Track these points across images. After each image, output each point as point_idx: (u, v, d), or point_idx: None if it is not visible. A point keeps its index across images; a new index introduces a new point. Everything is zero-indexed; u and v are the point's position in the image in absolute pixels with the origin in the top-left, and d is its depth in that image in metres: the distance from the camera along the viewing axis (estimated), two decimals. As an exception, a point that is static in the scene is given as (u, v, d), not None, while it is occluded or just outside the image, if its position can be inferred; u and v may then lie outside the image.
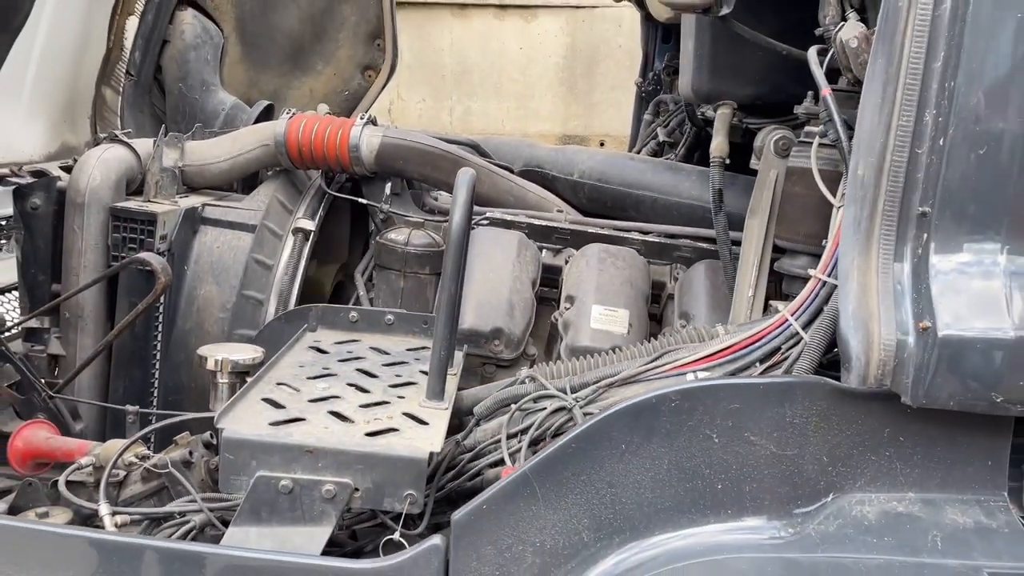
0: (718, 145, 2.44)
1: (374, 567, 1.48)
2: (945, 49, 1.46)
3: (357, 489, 1.51)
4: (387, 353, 2.04)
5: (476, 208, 2.46)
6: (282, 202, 2.56)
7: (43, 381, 2.20)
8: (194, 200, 2.52)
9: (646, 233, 2.61)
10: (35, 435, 2.00)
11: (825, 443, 1.55)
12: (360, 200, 2.68)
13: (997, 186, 1.48)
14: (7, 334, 2.42)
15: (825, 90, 1.76)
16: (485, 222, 2.58)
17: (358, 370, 1.91)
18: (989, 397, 1.47)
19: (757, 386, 1.57)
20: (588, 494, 1.53)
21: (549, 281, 2.51)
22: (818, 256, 1.73)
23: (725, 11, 2.12)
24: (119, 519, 1.69)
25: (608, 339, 2.23)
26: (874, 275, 1.51)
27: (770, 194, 2.12)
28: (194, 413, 2.00)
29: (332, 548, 1.55)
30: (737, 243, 2.27)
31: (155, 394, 2.36)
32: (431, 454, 1.54)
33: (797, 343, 1.66)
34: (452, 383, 1.83)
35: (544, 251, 2.57)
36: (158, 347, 2.35)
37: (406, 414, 1.69)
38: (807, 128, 2.02)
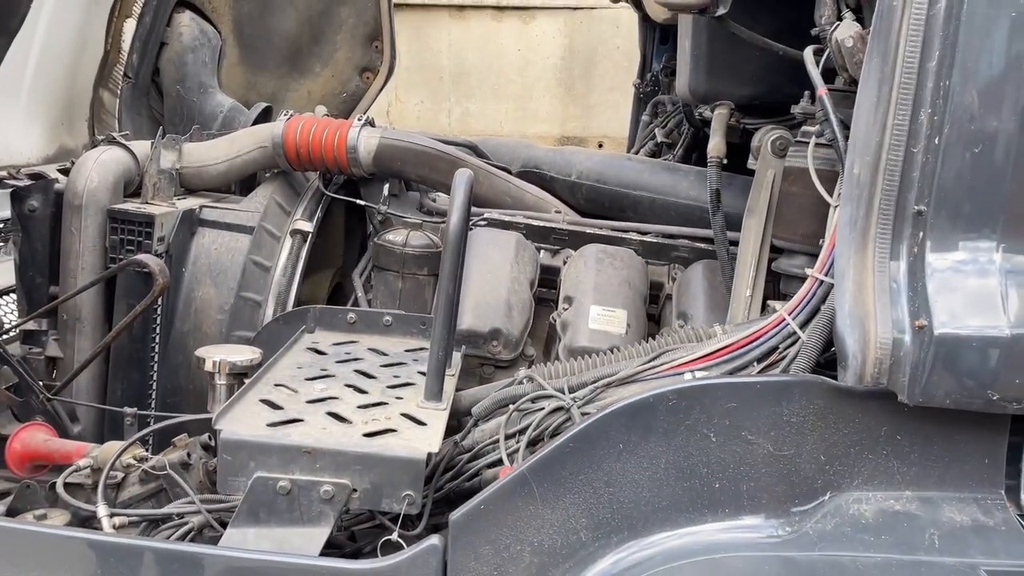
0: (715, 145, 2.44)
1: (372, 567, 1.48)
2: (940, 48, 1.46)
3: (355, 490, 1.51)
4: (385, 354, 2.05)
5: (474, 209, 2.46)
6: (280, 204, 2.56)
7: (41, 383, 2.20)
8: (192, 202, 2.53)
9: (644, 233, 2.61)
10: (33, 437, 2.00)
11: (822, 442, 1.55)
12: (358, 201, 2.68)
13: (992, 184, 1.49)
14: (5, 336, 2.43)
15: (821, 90, 1.76)
16: (483, 223, 2.58)
17: (356, 371, 1.91)
18: (985, 395, 1.47)
19: (754, 385, 1.57)
20: (586, 493, 1.53)
21: (547, 282, 2.51)
22: (816, 256, 1.73)
23: (722, 11, 2.12)
24: (117, 521, 1.69)
25: (606, 339, 2.23)
26: (870, 274, 1.51)
27: (767, 194, 2.13)
28: (192, 415, 2.00)
29: (330, 549, 1.55)
30: (735, 243, 2.27)
31: (153, 396, 2.36)
32: (429, 455, 1.54)
33: (794, 342, 1.66)
34: (450, 384, 1.83)
35: (542, 252, 2.57)
36: (156, 349, 2.36)
37: (404, 415, 1.69)
38: (804, 128, 2.02)
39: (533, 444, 1.73)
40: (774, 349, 1.68)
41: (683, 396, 1.54)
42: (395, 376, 1.91)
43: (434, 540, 1.48)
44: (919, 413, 1.52)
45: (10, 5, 2.60)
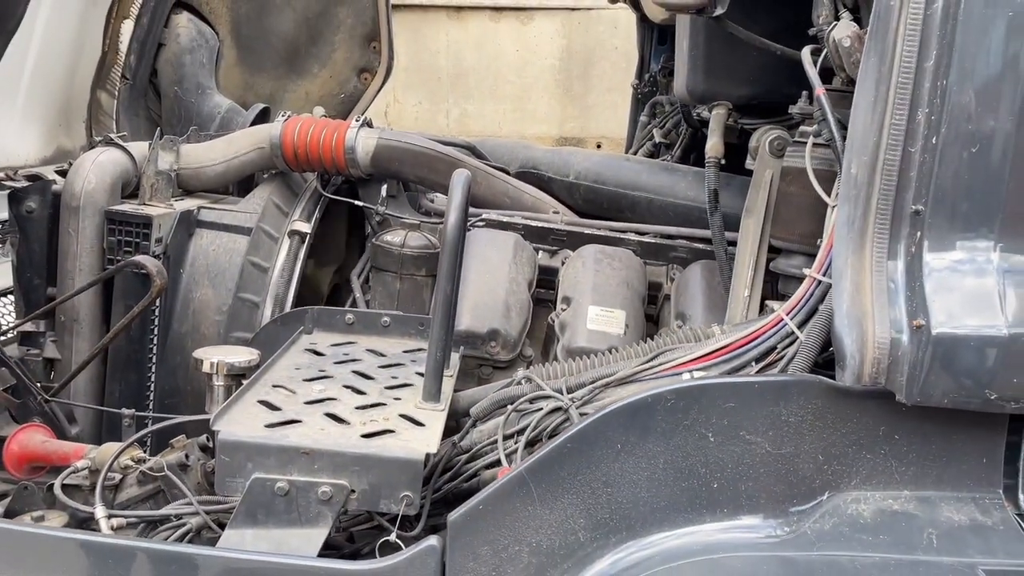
0: (713, 146, 2.44)
1: (370, 568, 1.48)
2: (937, 48, 1.46)
3: (353, 491, 1.51)
4: (383, 355, 2.05)
5: (472, 210, 2.47)
6: (278, 205, 2.56)
7: (39, 385, 2.20)
8: (190, 203, 2.52)
9: (642, 234, 2.62)
10: (31, 439, 2.00)
11: (820, 441, 1.55)
12: (356, 202, 2.68)
13: (989, 184, 1.49)
14: (3, 338, 2.43)
15: (819, 90, 1.76)
16: (481, 223, 2.58)
17: (354, 372, 1.91)
18: (983, 394, 1.47)
19: (752, 385, 1.57)
20: (584, 494, 1.53)
21: (545, 282, 2.51)
22: (814, 255, 1.74)
23: (719, 12, 2.12)
24: (115, 522, 1.69)
25: (604, 340, 2.23)
26: (868, 273, 1.51)
27: (765, 194, 2.13)
28: (190, 416, 1.99)
29: (329, 550, 1.55)
30: (733, 243, 2.27)
31: (151, 397, 2.36)
32: (427, 455, 1.54)
33: (793, 342, 1.66)
34: (448, 385, 1.83)
35: (540, 252, 2.57)
36: (154, 350, 2.36)
37: (402, 416, 1.69)
38: (802, 128, 2.03)
39: (531, 445, 1.73)
40: (772, 349, 1.69)
41: (681, 396, 1.54)
42: (393, 377, 1.91)
43: (432, 541, 1.48)
44: (917, 413, 1.52)
45: (7, 6, 2.60)
